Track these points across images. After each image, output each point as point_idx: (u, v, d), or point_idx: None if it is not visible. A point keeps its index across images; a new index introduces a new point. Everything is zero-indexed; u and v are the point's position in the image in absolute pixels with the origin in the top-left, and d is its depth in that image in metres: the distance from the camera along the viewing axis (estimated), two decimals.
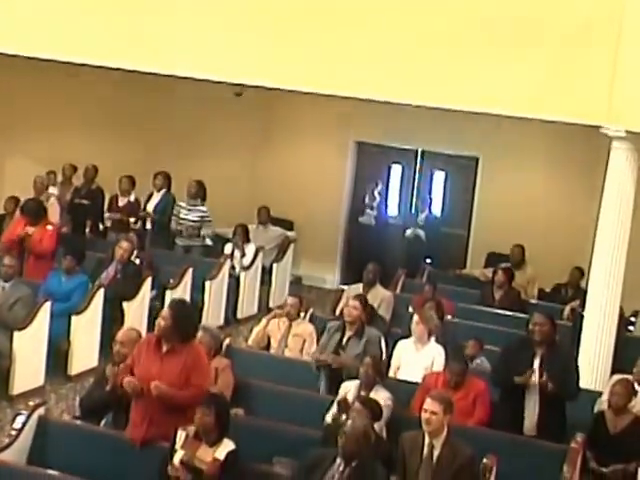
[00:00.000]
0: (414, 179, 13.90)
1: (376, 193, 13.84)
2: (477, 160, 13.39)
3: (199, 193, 12.10)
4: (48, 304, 9.23)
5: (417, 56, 9.12)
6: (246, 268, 11.95)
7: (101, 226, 12.33)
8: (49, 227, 10.50)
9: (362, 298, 8.36)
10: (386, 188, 14.00)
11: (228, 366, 7.81)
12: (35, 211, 10.55)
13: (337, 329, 8.23)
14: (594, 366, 8.42)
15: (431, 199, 13.76)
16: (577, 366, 7.73)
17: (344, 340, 8.13)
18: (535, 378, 7.48)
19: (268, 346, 9.07)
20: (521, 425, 7.56)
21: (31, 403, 6.96)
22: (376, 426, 7.14)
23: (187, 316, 6.76)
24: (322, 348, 8.28)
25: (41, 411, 6.89)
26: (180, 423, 6.42)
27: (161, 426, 6.54)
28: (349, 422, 6.32)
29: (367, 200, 13.84)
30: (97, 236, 12.31)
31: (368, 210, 13.85)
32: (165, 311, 6.73)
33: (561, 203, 12.85)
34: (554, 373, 7.42)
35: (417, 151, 13.77)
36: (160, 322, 6.62)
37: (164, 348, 6.64)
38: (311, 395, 7.97)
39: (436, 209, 13.80)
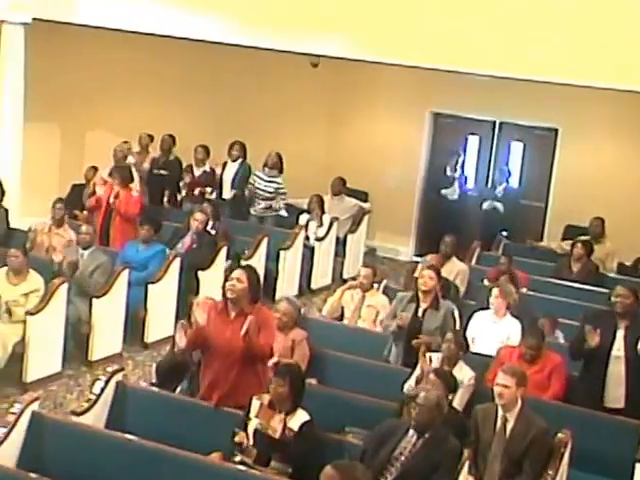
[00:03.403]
0: (491, 150, 13.74)
1: (459, 165, 13.68)
2: (556, 131, 13.18)
3: (277, 165, 12.13)
4: (126, 272, 9.38)
5: (495, 26, 9.00)
6: (320, 239, 11.97)
7: (178, 196, 12.44)
8: (134, 193, 10.66)
9: (435, 268, 8.28)
10: (463, 160, 13.86)
11: (305, 338, 7.84)
12: (122, 175, 10.70)
13: (410, 299, 8.14)
14: None
15: (509, 171, 13.58)
16: None
17: (420, 312, 8.07)
18: (621, 349, 7.39)
19: (342, 317, 9.08)
20: (601, 397, 7.46)
21: (109, 369, 7.07)
22: (456, 404, 7.13)
23: (258, 280, 6.81)
24: (391, 317, 8.21)
25: (119, 377, 7.00)
26: (251, 387, 6.49)
27: (235, 391, 6.61)
28: (422, 393, 6.30)
29: (449, 172, 13.68)
30: (174, 206, 12.43)
31: (456, 185, 13.64)
32: (239, 273, 6.68)
33: None
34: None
35: (495, 122, 13.61)
36: (235, 284, 6.60)
37: (232, 313, 6.68)
38: (384, 366, 7.96)
39: (514, 181, 13.63)
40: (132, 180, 10.97)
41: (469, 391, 7.37)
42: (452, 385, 6.80)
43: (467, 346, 7.64)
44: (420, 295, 8.06)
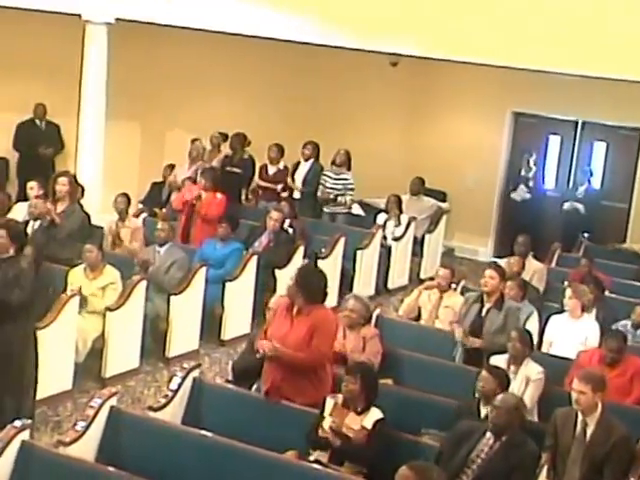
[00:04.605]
0: (573, 150, 13.52)
1: (531, 164, 13.50)
2: None
3: (345, 162, 12.10)
4: (204, 269, 9.44)
5: (577, 25, 8.83)
6: (398, 239, 11.91)
7: (250, 195, 12.48)
8: (218, 195, 10.74)
9: (499, 268, 8.18)
10: (543, 159, 13.67)
11: (376, 335, 7.80)
12: (212, 177, 10.79)
13: (476, 299, 8.09)
14: None
15: (591, 171, 13.34)
16: None
17: (483, 311, 7.98)
18: None
19: (419, 317, 9.02)
20: None
21: (186, 365, 7.10)
22: (528, 401, 7.01)
23: (311, 279, 6.79)
24: (461, 318, 8.14)
25: (195, 374, 7.04)
26: (302, 386, 6.56)
27: (283, 385, 6.65)
28: (500, 396, 6.21)
29: (523, 172, 13.50)
30: (249, 204, 12.48)
31: (522, 185, 13.48)
32: (294, 271, 6.92)
33: None
34: None
35: (577, 122, 13.39)
36: (288, 282, 6.83)
37: (294, 310, 6.74)
38: (461, 367, 7.87)
39: (596, 182, 13.38)
40: (219, 183, 10.98)
41: (538, 386, 7.25)
42: (505, 382, 6.68)
43: (532, 345, 7.52)
44: (484, 295, 7.99)
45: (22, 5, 10.29)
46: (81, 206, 9.65)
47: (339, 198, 12.00)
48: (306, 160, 12.27)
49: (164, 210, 11.41)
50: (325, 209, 12.15)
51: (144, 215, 11.19)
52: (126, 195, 10.52)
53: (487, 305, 7.98)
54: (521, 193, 13.44)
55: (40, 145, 12.96)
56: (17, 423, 5.94)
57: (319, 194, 12.16)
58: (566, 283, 9.72)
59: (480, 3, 9.29)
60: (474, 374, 7.40)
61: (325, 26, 9.85)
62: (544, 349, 8.42)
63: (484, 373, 6.70)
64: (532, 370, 7.28)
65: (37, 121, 13.14)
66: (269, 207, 11.19)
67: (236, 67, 13.39)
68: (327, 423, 6.32)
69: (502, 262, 10.03)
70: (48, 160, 12.99)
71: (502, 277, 8.09)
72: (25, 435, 5.94)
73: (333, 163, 12.15)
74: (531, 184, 13.48)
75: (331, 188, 12.05)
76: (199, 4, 10.36)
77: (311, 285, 6.73)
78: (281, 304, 6.94)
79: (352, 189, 12.07)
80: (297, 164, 12.33)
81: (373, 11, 9.64)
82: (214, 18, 10.29)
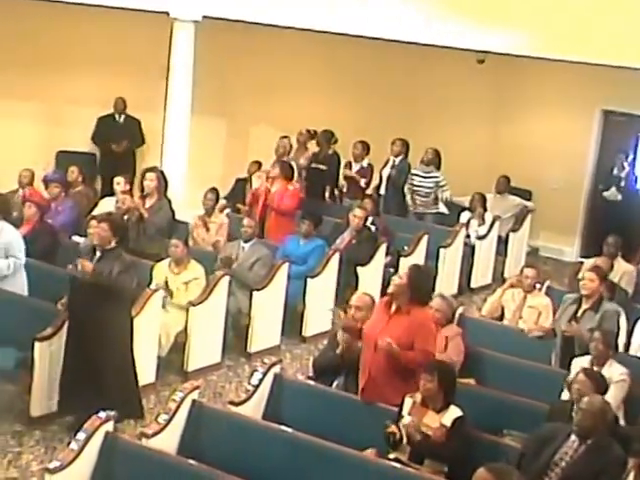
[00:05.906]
0: None
1: (625, 164, 13.21)
2: None
3: (434, 161, 12.00)
4: (286, 266, 9.46)
5: None
6: (482, 237, 11.78)
7: (336, 191, 12.47)
8: (290, 187, 10.77)
9: (599, 270, 8.04)
10: (633, 159, 13.37)
11: (458, 334, 7.76)
12: (282, 167, 10.86)
13: (573, 301, 8.00)
14: None
15: None
16: None
17: (579, 313, 7.87)
18: None
19: (502, 316, 8.90)
20: None
21: (267, 361, 7.12)
22: (612, 403, 6.85)
23: (422, 280, 6.82)
24: (557, 320, 8.06)
25: (277, 369, 7.06)
26: (400, 386, 6.45)
27: (380, 385, 6.60)
28: (585, 398, 6.08)
29: (615, 171, 13.22)
30: (333, 201, 12.46)
31: (613, 188, 13.21)
32: (404, 270, 6.89)
33: None
34: None
35: None
36: (395, 279, 6.78)
37: (393, 308, 6.74)
38: (544, 368, 7.75)
39: None
40: (291, 175, 11.03)
41: (622, 387, 7.09)
42: (602, 386, 6.54)
43: (617, 346, 7.36)
44: (583, 297, 7.90)
45: (112, 4, 10.46)
46: (169, 202, 9.77)
47: (438, 195, 11.91)
48: (395, 157, 12.21)
49: (246, 206, 11.47)
50: (412, 209, 12.06)
51: (227, 210, 11.28)
52: (216, 191, 10.61)
53: (584, 306, 7.90)
54: (612, 195, 13.16)
55: (115, 139, 12.89)
56: (101, 414, 6.03)
57: (406, 192, 12.08)
58: None
59: (569, 0, 9.14)
60: (559, 375, 7.29)
61: (413, 23, 9.80)
62: (632, 351, 8.24)
63: (581, 376, 6.57)
64: (615, 371, 7.12)
65: (116, 115, 13.13)
66: (353, 204, 11.16)
67: (322, 64, 13.39)
68: (406, 422, 6.27)
69: (589, 262, 9.88)
70: (128, 155, 13.03)
71: (602, 279, 7.97)
72: (109, 426, 6.03)
73: (422, 162, 12.06)
74: (623, 184, 13.19)
75: (419, 187, 11.94)
76: (286, 2, 10.38)
77: (421, 286, 6.77)
78: (381, 302, 6.98)
79: (444, 185, 11.98)
80: (387, 161, 12.28)
81: (462, 8, 9.55)
82: (301, 16, 10.31)
